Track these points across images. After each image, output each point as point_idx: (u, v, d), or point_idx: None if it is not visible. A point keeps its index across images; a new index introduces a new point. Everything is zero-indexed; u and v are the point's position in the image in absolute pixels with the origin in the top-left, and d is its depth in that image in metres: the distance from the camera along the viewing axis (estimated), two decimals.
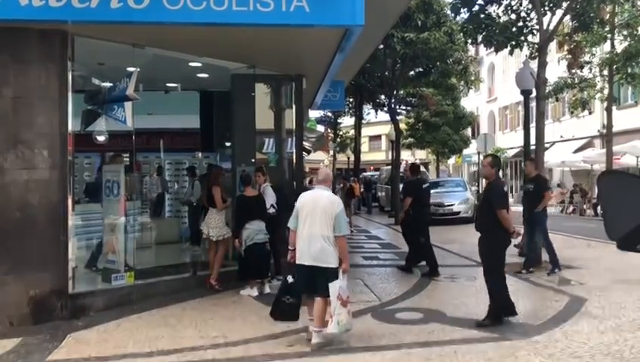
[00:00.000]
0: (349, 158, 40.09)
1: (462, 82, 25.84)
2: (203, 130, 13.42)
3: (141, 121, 9.18)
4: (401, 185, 15.70)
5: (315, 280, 5.99)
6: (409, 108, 31.70)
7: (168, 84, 12.27)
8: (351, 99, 30.30)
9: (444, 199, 20.10)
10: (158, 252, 11.06)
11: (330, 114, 36.32)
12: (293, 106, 11.12)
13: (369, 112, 34.69)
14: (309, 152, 30.03)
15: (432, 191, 12.00)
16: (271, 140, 11.71)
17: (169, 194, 13.68)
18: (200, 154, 13.81)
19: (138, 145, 9.77)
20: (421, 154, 49.11)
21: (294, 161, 11.23)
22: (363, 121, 33.53)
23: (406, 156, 45.99)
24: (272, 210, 9.01)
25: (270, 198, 9.13)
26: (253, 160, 10.76)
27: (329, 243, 5.98)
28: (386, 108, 27.07)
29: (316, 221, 6.00)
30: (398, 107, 27.82)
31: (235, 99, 10.64)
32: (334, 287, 5.88)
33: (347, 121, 41.08)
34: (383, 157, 53.20)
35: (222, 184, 9.12)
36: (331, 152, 41.00)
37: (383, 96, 27.04)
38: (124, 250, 8.16)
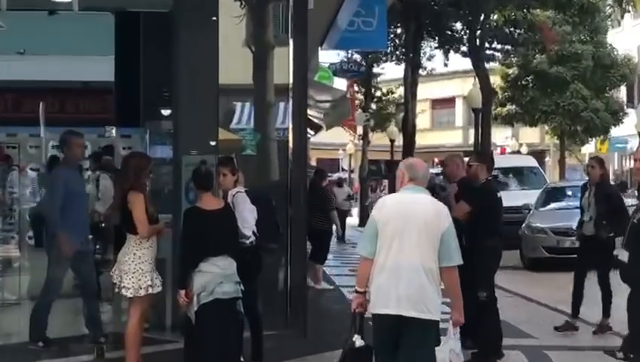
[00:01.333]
0: (392, 142, 37.83)
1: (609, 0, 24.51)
2: (120, 87, 13.12)
3: (5, 68, 9.84)
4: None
5: (406, 341, 6.25)
6: (507, 48, 30.67)
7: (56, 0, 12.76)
8: (399, 31, 29.82)
9: (573, 221, 16.67)
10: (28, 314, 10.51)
11: (359, 58, 34.95)
12: (290, 43, 11.04)
13: (432, 55, 34.07)
14: (317, 130, 27.72)
15: (553, 205, 13.09)
16: (247, 107, 12.26)
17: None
18: (114, 131, 13.15)
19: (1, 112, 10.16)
20: (530, 136, 47.66)
21: (290, 145, 11.11)
22: (421, 72, 32.51)
23: (502, 138, 44.95)
24: (249, 237, 8.83)
25: (246, 214, 8.73)
26: (213, 143, 10.89)
27: (431, 280, 6.26)
28: (464, 48, 25.24)
29: (412, 244, 6.29)
30: (487, 45, 27.24)
31: (182, 29, 10.94)
32: (443, 353, 6.21)
33: (391, 72, 39.31)
34: (458, 140, 52.32)
35: (145, 187, 8.60)
36: (360, 129, 39.52)
37: (458, 25, 26.86)
38: None
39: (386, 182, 23.18)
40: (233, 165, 9.21)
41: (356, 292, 6.55)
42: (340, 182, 27.30)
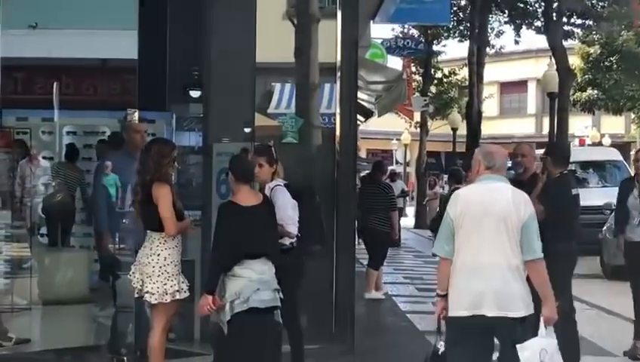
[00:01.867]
0: (454, 131, 38.45)
1: None
2: (144, 66, 12.97)
3: (15, 44, 9.78)
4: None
5: (489, 345, 6.51)
6: (589, 23, 31.15)
7: None
8: (463, 2, 30.58)
9: None
10: (42, 322, 11.29)
11: (416, 33, 35.72)
12: (337, 15, 11.09)
13: (501, 31, 34.48)
14: (368, 116, 27.70)
15: None
16: (287, 89, 12.19)
17: (85, 198, 13.66)
18: (137, 115, 12.76)
19: (8, 93, 10.42)
20: (614, 125, 48.00)
21: (337, 133, 11.14)
22: (488, 51, 32.94)
23: (580, 128, 44.72)
24: (294, 236, 8.89)
25: (289, 211, 8.77)
26: (248, 129, 10.94)
27: (516, 277, 6.40)
28: (538, 23, 25.25)
29: (491, 239, 6.44)
30: (565, 20, 27.20)
31: (214, 0, 11.03)
32: (532, 353, 6.24)
33: (454, 50, 40.13)
34: (530, 129, 53.07)
35: (170, 179, 8.60)
36: (417, 116, 39.63)
37: None
38: None
39: (445, 177, 22.90)
40: (271, 155, 9.17)
41: (438, 296, 6.73)
42: (392, 176, 27.19)
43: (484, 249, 6.46)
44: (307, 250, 9.10)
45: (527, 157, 10.27)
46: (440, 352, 6.70)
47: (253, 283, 7.88)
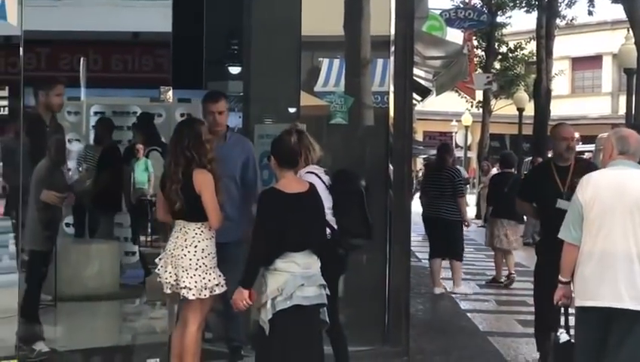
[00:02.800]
0: (521, 111, 37.91)
1: None
2: (178, 40, 12.84)
3: (39, 16, 9.76)
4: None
5: (618, 336, 6.62)
6: None
7: None
8: None
9: None
10: (67, 319, 11.18)
11: (479, 3, 36.12)
12: None
13: (573, 1, 34.40)
14: (425, 94, 27.72)
15: None
16: (336, 65, 12.33)
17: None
18: (171, 94, 12.91)
19: (31, 70, 10.61)
20: None
21: (391, 113, 11.00)
22: (559, 23, 33.05)
23: None
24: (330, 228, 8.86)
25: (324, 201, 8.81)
26: (293, 109, 11.09)
27: None
28: None
29: (623, 227, 6.62)
30: None
31: None
32: None
33: (520, 22, 40.86)
34: (605, 109, 52.77)
35: (214, 166, 8.58)
36: (480, 95, 39.33)
37: None
38: None
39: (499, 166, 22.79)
40: (303, 137, 9.31)
41: (560, 282, 7.02)
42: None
43: (614, 237, 6.65)
44: (347, 244, 9.12)
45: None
46: (561, 341, 6.99)
47: (296, 278, 7.94)
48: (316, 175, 9.04)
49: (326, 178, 9.24)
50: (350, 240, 9.09)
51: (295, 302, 7.86)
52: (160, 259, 8.73)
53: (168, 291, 8.63)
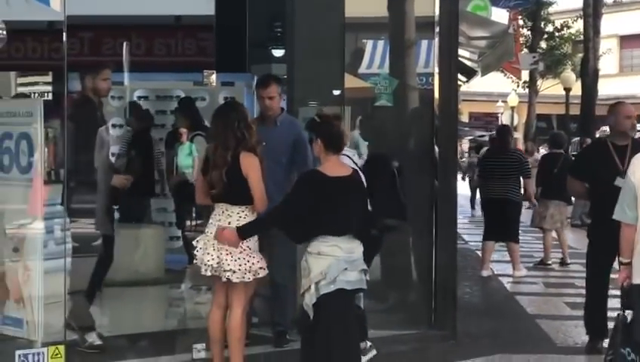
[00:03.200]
0: (568, 91, 37.65)
1: None
2: (222, 23, 13.22)
3: (84, 2, 9.84)
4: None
5: None
6: None
7: None
8: None
9: None
10: (118, 303, 11.42)
11: None
12: None
13: None
14: (471, 75, 27.52)
15: None
16: (380, 47, 12.40)
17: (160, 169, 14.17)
18: (214, 78, 13.21)
19: (75, 55, 10.54)
20: None
21: (436, 95, 11.11)
22: (606, 0, 33.07)
23: None
24: None
25: None
26: (337, 91, 11.10)
27: None
28: None
29: None
30: None
31: None
32: None
33: (566, 1, 40.54)
34: None
35: (258, 150, 8.61)
36: (526, 75, 39.90)
37: None
38: (39, 296, 8.55)
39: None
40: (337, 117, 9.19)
41: (622, 264, 7.19)
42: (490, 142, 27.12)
43: None
44: (380, 225, 9.09)
45: None
46: (628, 321, 7.01)
47: (340, 262, 7.96)
48: (348, 157, 9.02)
49: (358, 160, 9.20)
50: (383, 222, 9.08)
51: (339, 286, 7.88)
52: (198, 241, 8.76)
53: (208, 273, 8.61)
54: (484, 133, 41.67)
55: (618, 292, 10.46)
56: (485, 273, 14.64)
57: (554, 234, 16.29)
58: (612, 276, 10.45)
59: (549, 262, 16.12)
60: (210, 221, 8.73)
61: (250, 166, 8.46)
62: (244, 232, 8.36)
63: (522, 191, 14.91)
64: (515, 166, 14.49)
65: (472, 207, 26.82)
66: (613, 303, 10.24)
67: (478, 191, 20.20)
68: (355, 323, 8.29)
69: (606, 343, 8.63)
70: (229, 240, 8.42)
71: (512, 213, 14.63)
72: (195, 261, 8.69)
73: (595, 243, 10.30)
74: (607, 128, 14.74)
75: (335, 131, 8.50)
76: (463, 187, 29.45)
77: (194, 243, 8.83)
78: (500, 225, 14.64)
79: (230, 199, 8.52)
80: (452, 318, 10.22)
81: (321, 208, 8.03)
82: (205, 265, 8.57)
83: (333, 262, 7.91)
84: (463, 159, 36.12)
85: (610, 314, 10.00)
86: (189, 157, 13.62)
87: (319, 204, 8.03)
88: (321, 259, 7.94)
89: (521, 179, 14.68)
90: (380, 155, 10.57)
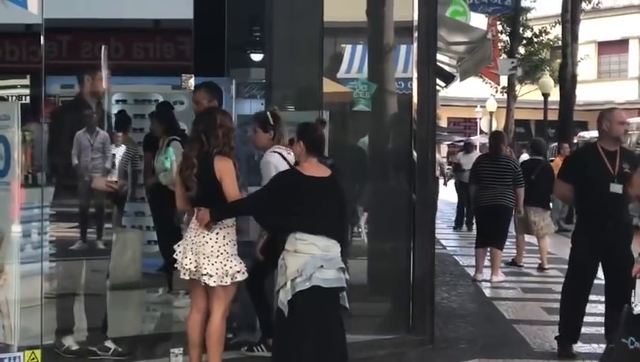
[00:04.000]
0: (546, 96, 37.54)
1: None
2: (200, 27, 12.76)
3: (60, 4, 9.74)
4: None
5: None
6: None
7: None
8: None
9: None
10: (91, 309, 10.62)
11: None
12: None
13: None
14: (449, 80, 27.57)
15: None
16: (358, 51, 12.41)
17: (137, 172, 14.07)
18: (192, 82, 12.81)
19: (53, 58, 10.74)
20: None
21: (415, 100, 11.03)
22: (584, 6, 33.36)
23: None
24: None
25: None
26: (315, 96, 11.03)
27: None
28: None
29: None
30: None
31: None
32: None
33: (545, 6, 40.70)
34: (632, 94, 53.40)
35: (233, 154, 8.64)
36: (504, 80, 39.73)
37: None
38: (16, 300, 8.48)
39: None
40: (265, 120, 9.65)
41: None
42: (467, 148, 26.89)
43: None
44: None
45: None
46: (635, 312, 7.16)
47: (316, 259, 8.00)
48: (280, 154, 9.25)
49: (290, 157, 9.24)
50: None
51: (314, 282, 7.91)
52: (178, 246, 8.70)
53: (186, 277, 8.58)
54: (462, 139, 41.78)
55: (598, 298, 10.56)
56: (480, 276, 14.79)
57: (528, 238, 16.39)
58: (596, 281, 10.43)
59: (521, 264, 16.42)
60: (190, 225, 8.67)
61: (224, 170, 8.45)
62: (216, 214, 8.37)
63: None
64: (509, 173, 14.52)
65: (462, 223, 24.65)
66: (590, 308, 10.33)
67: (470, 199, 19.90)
68: (337, 324, 8.25)
69: (577, 347, 8.98)
70: (201, 220, 8.41)
71: (503, 219, 14.69)
72: (175, 264, 8.61)
73: (579, 248, 10.27)
74: (584, 134, 14.82)
75: (318, 135, 8.61)
76: (444, 192, 29.44)
77: (175, 247, 8.76)
78: (492, 231, 14.71)
79: (207, 203, 8.45)
80: (430, 323, 10.19)
81: (296, 206, 8.06)
82: (184, 268, 8.53)
83: (310, 259, 7.95)
84: (448, 167, 36.24)
85: (588, 319, 10.05)
86: (166, 161, 13.57)
87: (294, 201, 8.06)
88: (298, 256, 7.97)
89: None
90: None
